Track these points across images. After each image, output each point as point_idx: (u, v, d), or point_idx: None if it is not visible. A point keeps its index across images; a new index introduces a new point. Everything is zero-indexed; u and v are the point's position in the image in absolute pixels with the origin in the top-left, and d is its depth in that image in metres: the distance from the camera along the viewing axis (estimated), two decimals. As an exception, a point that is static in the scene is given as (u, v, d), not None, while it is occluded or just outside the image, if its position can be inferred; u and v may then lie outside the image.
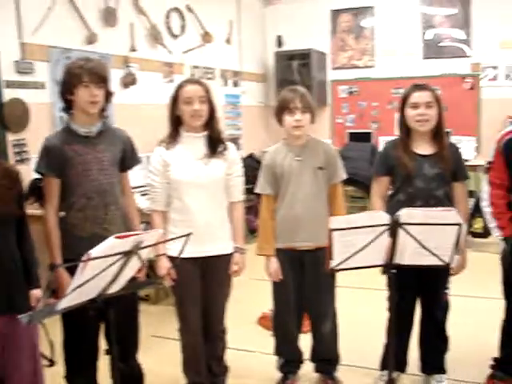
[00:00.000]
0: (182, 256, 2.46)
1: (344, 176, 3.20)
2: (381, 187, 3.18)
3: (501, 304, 3.15)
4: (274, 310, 3.31)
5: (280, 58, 8.11)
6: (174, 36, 6.49)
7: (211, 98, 2.97)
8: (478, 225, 6.22)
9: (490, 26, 7.45)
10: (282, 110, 3.08)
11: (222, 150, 3.00)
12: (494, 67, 7.56)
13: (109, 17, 5.48)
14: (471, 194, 6.66)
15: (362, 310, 4.40)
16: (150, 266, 3.18)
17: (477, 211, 6.19)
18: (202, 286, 3.02)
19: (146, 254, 2.23)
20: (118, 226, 2.78)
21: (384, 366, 3.27)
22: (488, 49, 7.52)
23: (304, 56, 7.90)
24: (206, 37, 7.01)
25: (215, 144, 2.99)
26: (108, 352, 2.36)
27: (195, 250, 2.84)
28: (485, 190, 3.07)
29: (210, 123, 2.98)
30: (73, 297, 2.00)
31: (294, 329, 3.29)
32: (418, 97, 3.01)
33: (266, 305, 3.71)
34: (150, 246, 2.19)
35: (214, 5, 7.20)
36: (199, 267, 2.97)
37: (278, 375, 3.37)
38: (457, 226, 2.31)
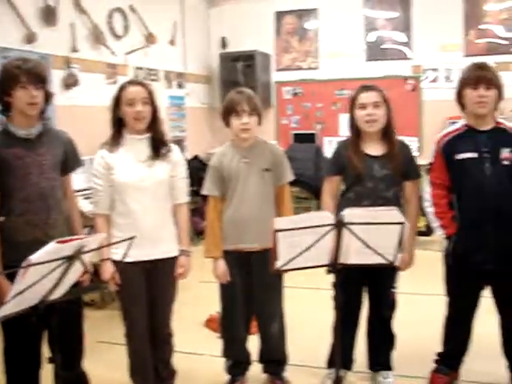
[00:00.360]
0: (127, 260, 2.42)
1: (291, 177, 3.21)
2: (332, 186, 3.22)
3: (443, 300, 3.23)
4: (222, 311, 3.30)
5: (224, 59, 8.09)
6: (117, 37, 6.39)
7: (154, 100, 2.94)
8: (421, 223, 6.35)
9: (429, 29, 7.64)
10: (229, 112, 3.07)
11: (166, 152, 2.98)
12: (435, 69, 7.75)
13: (48, 16, 5.34)
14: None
15: (309, 310, 4.44)
16: (95, 270, 3.11)
17: (420, 210, 6.35)
18: (147, 290, 2.98)
19: (88, 258, 2.19)
20: (61, 230, 2.72)
21: (331, 364, 3.31)
22: (428, 51, 7.71)
23: (248, 57, 7.91)
24: (150, 38, 6.93)
25: (159, 146, 2.95)
26: (51, 360, 2.30)
27: (140, 253, 2.81)
28: (426, 191, 3.14)
29: (153, 125, 2.95)
30: (13, 304, 1.94)
31: (242, 330, 3.28)
32: (365, 97, 3.06)
33: (214, 307, 3.70)
34: (92, 250, 2.15)
35: (158, 5, 7.13)
36: (144, 271, 2.94)
37: (226, 377, 3.36)
38: (399, 225, 2.35)
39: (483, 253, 2.96)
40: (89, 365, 2.97)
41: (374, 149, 3.12)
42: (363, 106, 3.06)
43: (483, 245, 2.95)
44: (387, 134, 3.12)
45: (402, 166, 3.11)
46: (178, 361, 3.29)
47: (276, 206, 3.16)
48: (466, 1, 7.56)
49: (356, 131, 3.13)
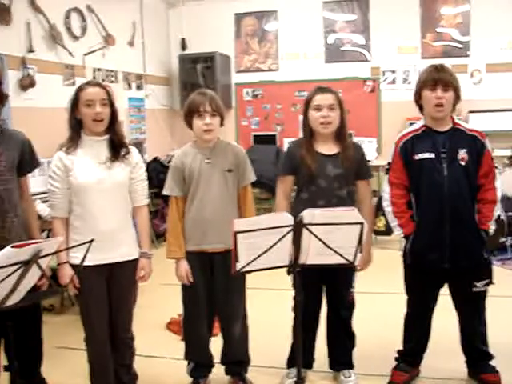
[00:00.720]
0: (86, 264, 2.39)
1: (253, 178, 3.22)
2: (285, 187, 3.24)
3: (403, 299, 3.28)
4: (184, 313, 3.27)
5: (184, 60, 8.06)
6: (75, 37, 6.29)
7: (113, 101, 2.91)
8: (380, 223, 6.45)
9: (387, 31, 7.76)
10: (191, 113, 3.06)
11: (125, 154, 2.95)
12: (393, 71, 7.88)
13: (2, 14, 5.21)
14: (374, 193, 6.91)
15: (271, 311, 4.44)
16: (53, 274, 3.06)
17: (379, 210, 6.42)
18: (107, 294, 2.94)
19: (46, 262, 2.15)
20: (18, 234, 2.68)
21: (290, 363, 3.32)
22: (386, 53, 7.83)
23: (208, 59, 7.90)
24: (108, 39, 6.85)
25: (117, 148, 2.92)
26: (7, 368, 2.25)
27: (99, 257, 2.78)
28: (385, 190, 3.18)
29: (112, 127, 2.92)
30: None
31: (205, 332, 3.27)
32: (320, 99, 3.09)
33: (175, 310, 3.67)
34: (50, 254, 2.11)
35: (116, 6, 7.05)
36: (104, 274, 2.90)
37: (189, 380, 3.34)
38: (359, 225, 2.37)
39: (440, 252, 3.01)
40: (48, 371, 2.93)
41: (327, 148, 3.15)
42: (318, 108, 3.08)
43: (440, 244, 3.01)
44: (340, 135, 3.15)
45: (355, 166, 3.14)
46: (139, 365, 3.26)
47: (238, 207, 3.16)
48: (423, 4, 7.70)
49: (309, 131, 3.16)
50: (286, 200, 3.22)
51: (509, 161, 6.23)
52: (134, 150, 3.03)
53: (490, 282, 3.13)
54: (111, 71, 7.00)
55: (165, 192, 3.17)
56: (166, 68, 8.46)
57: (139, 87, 7.69)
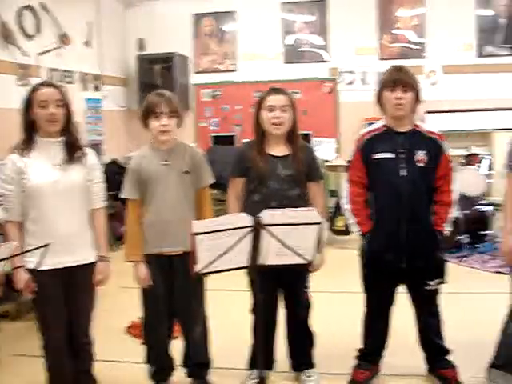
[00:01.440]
0: (42, 268, 2.34)
1: (211, 180, 3.20)
2: (236, 188, 3.23)
3: (362, 298, 3.30)
4: (144, 317, 3.24)
5: (142, 61, 7.98)
6: (28, 36, 6.16)
7: (68, 102, 2.86)
8: (339, 223, 6.50)
9: (346, 33, 7.85)
10: (148, 114, 3.03)
11: (81, 156, 2.91)
12: (351, 72, 7.96)
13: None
14: (333, 193, 6.98)
15: (232, 313, 4.43)
16: (8, 280, 2.99)
17: (339, 210, 6.49)
18: (64, 298, 2.89)
19: (0, 268, 2.10)
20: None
21: (251, 365, 3.32)
22: (345, 55, 7.92)
23: (166, 60, 7.84)
24: (64, 38, 6.73)
25: (73, 150, 2.88)
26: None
27: (55, 261, 2.74)
28: (345, 188, 3.20)
29: (67, 128, 2.87)
30: None
31: (165, 335, 3.24)
32: (273, 100, 3.09)
33: (135, 313, 3.63)
34: (3, 259, 2.06)
35: (72, 5, 6.92)
36: (61, 279, 2.85)
37: (150, 384, 3.31)
38: (317, 225, 2.38)
39: (396, 251, 3.05)
40: (4, 379, 2.86)
41: (278, 150, 3.15)
42: (271, 108, 3.09)
43: (396, 243, 3.04)
44: (292, 136, 3.16)
45: (305, 168, 3.16)
46: (99, 370, 3.21)
47: (197, 209, 3.14)
48: (379, 7, 7.82)
49: (261, 132, 3.16)
50: (237, 201, 3.22)
51: (465, 160, 6.36)
52: (90, 152, 2.98)
53: (443, 281, 3.18)
54: (67, 71, 6.88)
55: (122, 195, 3.13)
56: (123, 69, 8.37)
57: (96, 88, 7.58)
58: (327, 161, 7.34)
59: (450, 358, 3.27)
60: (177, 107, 3.06)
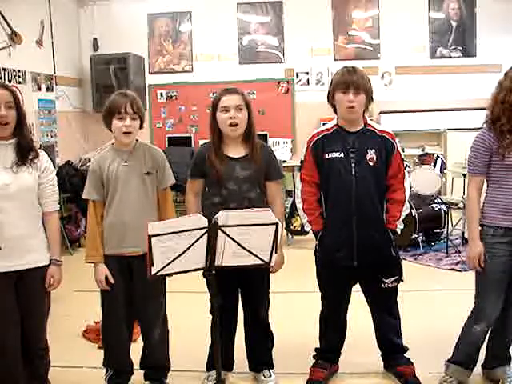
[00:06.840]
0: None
1: (172, 181, 3.19)
2: (195, 189, 3.22)
3: (319, 297, 3.32)
4: (103, 319, 3.19)
5: (96, 61, 7.85)
6: (-24, 35, 6.01)
7: (19, 104, 2.80)
8: (296, 223, 6.52)
9: (301, 34, 7.91)
10: (111, 114, 3.00)
11: (33, 158, 2.84)
12: (306, 73, 8.02)
13: None
14: (289, 193, 7.00)
15: (190, 314, 4.40)
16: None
17: (295, 210, 6.51)
18: (17, 303, 2.82)
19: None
20: None
21: (210, 366, 3.31)
22: (300, 55, 7.98)
23: (121, 60, 7.73)
24: (14, 37, 6.57)
25: (25, 152, 2.81)
26: None
27: (6, 264, 2.70)
28: (298, 187, 3.22)
29: (19, 130, 2.81)
30: None
31: (125, 338, 3.20)
32: (227, 100, 3.08)
33: (91, 317, 3.58)
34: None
35: (22, 2, 6.76)
36: (12, 282, 2.79)
37: (107, 389, 3.26)
38: (274, 226, 2.39)
39: (348, 249, 3.08)
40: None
41: (236, 151, 3.15)
42: (226, 109, 3.08)
43: (347, 242, 3.07)
44: (249, 136, 3.16)
45: (264, 167, 3.16)
46: (54, 376, 3.15)
47: (158, 210, 3.13)
48: (334, 8, 7.90)
49: (218, 133, 3.15)
50: (195, 197, 3.21)
51: (419, 160, 6.48)
52: (42, 154, 2.93)
53: (400, 279, 3.23)
54: (18, 71, 6.71)
55: (83, 196, 3.11)
56: (77, 69, 8.24)
57: (49, 89, 7.43)
58: (284, 161, 7.37)
59: (407, 355, 3.32)
60: (140, 108, 3.06)
